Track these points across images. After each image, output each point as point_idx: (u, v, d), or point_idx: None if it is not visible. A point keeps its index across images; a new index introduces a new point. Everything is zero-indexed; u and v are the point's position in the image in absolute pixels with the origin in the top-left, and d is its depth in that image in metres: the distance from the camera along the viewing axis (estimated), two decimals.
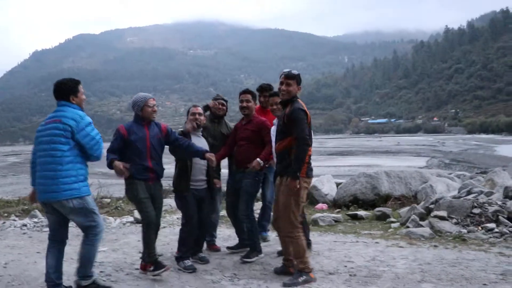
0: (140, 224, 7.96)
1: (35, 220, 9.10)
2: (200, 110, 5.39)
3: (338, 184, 12.48)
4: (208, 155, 4.89)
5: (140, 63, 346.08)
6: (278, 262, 5.21)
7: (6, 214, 10.33)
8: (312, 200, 10.68)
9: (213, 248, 5.87)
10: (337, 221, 8.19)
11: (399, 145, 71.01)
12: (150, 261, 4.78)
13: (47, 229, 8.11)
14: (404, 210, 8.31)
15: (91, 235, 4.26)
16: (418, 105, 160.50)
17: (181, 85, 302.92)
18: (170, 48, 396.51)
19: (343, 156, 49.45)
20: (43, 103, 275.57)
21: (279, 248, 5.71)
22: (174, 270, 5.03)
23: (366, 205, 11.16)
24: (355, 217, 8.50)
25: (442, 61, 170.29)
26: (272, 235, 6.22)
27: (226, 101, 6.05)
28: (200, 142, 5.26)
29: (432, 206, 7.44)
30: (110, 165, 4.68)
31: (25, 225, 8.61)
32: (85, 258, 4.29)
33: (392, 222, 7.77)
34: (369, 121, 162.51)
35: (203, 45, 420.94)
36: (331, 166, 30.78)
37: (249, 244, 5.41)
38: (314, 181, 9.93)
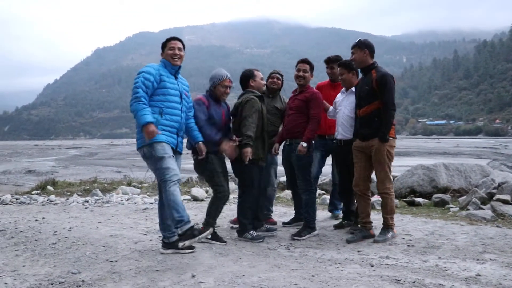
0: (197, 202, 8.17)
1: (96, 197, 9.47)
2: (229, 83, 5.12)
3: (394, 177, 12.24)
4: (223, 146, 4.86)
5: (197, 60, 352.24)
6: (335, 234, 5.19)
7: (69, 193, 10.81)
8: None
9: (269, 221, 5.82)
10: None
11: (458, 147, 68.54)
12: (208, 228, 4.81)
13: (108, 204, 8.52)
14: (464, 198, 8.04)
15: (163, 182, 4.25)
16: (479, 107, 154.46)
17: (237, 83, 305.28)
18: (226, 47, 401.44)
19: (399, 156, 48.20)
20: (103, 98, 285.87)
21: (335, 222, 5.70)
22: (231, 238, 5.09)
23: (424, 198, 10.89)
24: (412, 204, 8.31)
25: (506, 61, 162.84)
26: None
27: (282, 75, 6.00)
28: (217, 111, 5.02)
29: (494, 191, 7.16)
30: (218, 142, 4.73)
31: (87, 201, 8.98)
32: (169, 206, 4.25)
33: (451, 207, 7.54)
34: (427, 123, 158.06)
35: (259, 43, 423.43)
36: None
37: (303, 219, 5.33)
38: None
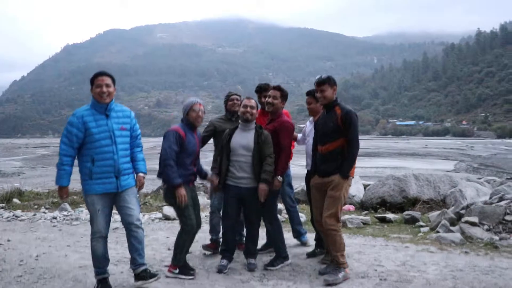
0: (169, 221, 8.06)
1: (65, 213, 9.26)
2: (253, 103, 5.12)
3: (365, 186, 12.36)
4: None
5: (169, 59, 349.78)
6: (308, 264, 5.19)
7: (36, 206, 10.55)
8: None
9: (241, 247, 5.71)
10: (365, 223, 8.11)
11: (427, 148, 70.06)
12: (178, 264, 4.76)
13: (77, 222, 8.34)
14: (433, 215, 8.17)
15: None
16: (447, 108, 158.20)
17: (209, 82, 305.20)
18: (199, 45, 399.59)
19: (370, 157, 48.97)
20: (72, 96, 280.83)
21: (308, 249, 5.69)
22: (203, 269, 5.04)
23: (394, 208, 11.03)
24: (383, 220, 8.40)
25: (473, 64, 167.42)
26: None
27: (239, 96, 5.94)
28: (245, 137, 5.02)
29: (462, 211, 7.29)
30: (176, 186, 4.60)
31: (55, 218, 8.77)
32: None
33: (421, 226, 7.65)
34: (397, 123, 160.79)
35: (232, 42, 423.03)
36: (358, 167, 30.08)
37: (274, 250, 5.29)
38: None
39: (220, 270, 4.93)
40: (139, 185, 4.54)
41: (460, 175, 33.76)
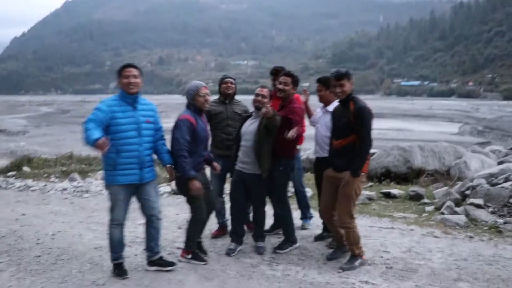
0: (178, 196, 8.19)
1: (75, 184, 9.43)
2: (266, 92, 5.14)
3: (371, 155, 12.45)
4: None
5: (171, 15, 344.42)
6: (316, 247, 5.34)
7: (46, 175, 10.74)
8: None
9: (249, 227, 5.81)
10: (370, 199, 8.24)
11: (431, 109, 69.80)
12: (190, 251, 4.89)
13: (87, 195, 8.52)
14: (438, 191, 8.29)
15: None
16: (453, 69, 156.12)
17: (212, 39, 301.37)
18: (201, 1, 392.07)
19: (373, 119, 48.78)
20: (75, 53, 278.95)
21: (317, 231, 5.84)
22: (214, 251, 5.19)
23: (398, 178, 11.15)
24: (388, 196, 8.52)
25: (482, 23, 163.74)
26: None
27: (234, 79, 5.94)
28: (252, 124, 5.08)
29: (467, 192, 7.39)
30: (190, 179, 4.55)
31: (66, 189, 8.94)
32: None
33: (426, 203, 7.78)
34: (402, 83, 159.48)
35: None
36: None
37: (283, 234, 5.42)
38: None
39: (228, 253, 5.09)
40: (171, 177, 4.73)
41: (465, 139, 33.79)
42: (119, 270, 4.52)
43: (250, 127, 5.10)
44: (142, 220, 6.13)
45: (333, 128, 4.89)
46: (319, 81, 5.43)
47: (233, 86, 5.80)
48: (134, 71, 4.39)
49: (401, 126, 42.29)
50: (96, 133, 4.01)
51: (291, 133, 4.75)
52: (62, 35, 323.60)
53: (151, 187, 4.53)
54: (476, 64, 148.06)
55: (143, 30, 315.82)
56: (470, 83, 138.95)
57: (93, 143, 3.94)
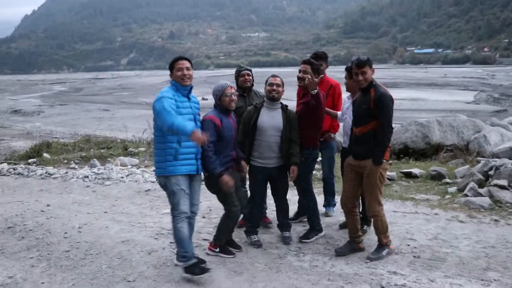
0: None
1: (95, 170, 9.51)
2: (279, 81, 5.09)
3: None
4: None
5: None
6: (341, 236, 5.35)
7: (66, 161, 10.84)
8: None
9: (264, 221, 5.81)
10: (391, 179, 8.18)
11: (446, 77, 68.80)
12: (219, 244, 4.90)
13: (109, 182, 8.59)
14: (459, 170, 8.21)
15: (171, 215, 4.42)
16: (468, 35, 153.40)
17: (222, 12, 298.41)
18: None
19: (387, 88, 48.25)
20: (85, 30, 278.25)
21: (341, 218, 5.82)
22: (240, 242, 5.22)
23: (417, 154, 11.07)
24: (409, 175, 8.46)
25: None
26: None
27: (250, 70, 5.83)
28: (273, 117, 5.04)
29: (491, 172, 7.30)
30: (218, 175, 4.49)
31: (87, 177, 9.02)
32: (174, 239, 4.46)
33: (448, 183, 7.73)
34: (415, 51, 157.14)
35: None
36: None
37: (308, 223, 5.42)
38: None
39: (259, 245, 5.11)
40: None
41: (483, 107, 33.22)
42: (201, 270, 4.34)
43: (272, 121, 5.02)
44: (166, 210, 6.25)
45: (354, 115, 4.86)
46: (347, 69, 5.33)
47: (250, 78, 5.73)
48: (187, 63, 4.39)
49: (415, 96, 41.72)
50: (187, 124, 4.08)
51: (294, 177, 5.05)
52: (72, 12, 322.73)
53: (197, 182, 4.56)
54: (492, 29, 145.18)
55: (153, 5, 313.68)
56: (486, 49, 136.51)
57: (190, 134, 3.97)
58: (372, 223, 5.00)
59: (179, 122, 4.03)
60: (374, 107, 4.49)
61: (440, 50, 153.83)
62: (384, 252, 4.71)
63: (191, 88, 4.47)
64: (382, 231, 4.74)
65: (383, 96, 4.49)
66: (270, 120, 5.03)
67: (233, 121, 4.85)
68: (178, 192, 4.29)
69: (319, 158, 5.91)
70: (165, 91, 4.31)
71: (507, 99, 41.04)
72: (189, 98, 4.44)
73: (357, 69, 4.58)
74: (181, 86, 4.37)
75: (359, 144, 4.71)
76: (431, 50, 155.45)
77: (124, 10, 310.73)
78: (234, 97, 4.72)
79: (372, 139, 4.57)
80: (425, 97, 41.22)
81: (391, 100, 4.53)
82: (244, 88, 5.72)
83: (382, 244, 4.76)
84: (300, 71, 5.19)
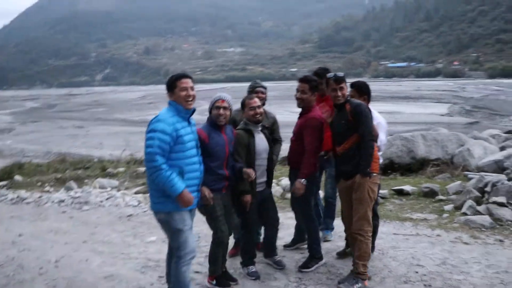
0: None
1: (72, 194, 8.98)
2: (258, 101, 4.72)
3: None
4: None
5: (156, 3, 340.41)
6: (342, 265, 4.97)
7: (39, 183, 10.28)
8: None
9: (259, 248, 5.33)
10: (383, 197, 7.89)
11: (419, 90, 69.98)
12: (215, 275, 4.51)
13: (87, 207, 8.07)
14: (451, 186, 8.02)
15: (175, 257, 3.91)
16: (439, 49, 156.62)
17: (198, 27, 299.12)
18: None
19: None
20: (59, 45, 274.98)
21: (340, 243, 5.46)
22: (235, 273, 4.80)
23: (402, 169, 10.92)
24: (401, 193, 8.20)
25: (465, 2, 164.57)
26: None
27: (265, 88, 5.48)
28: (262, 140, 4.74)
29: (487, 188, 7.08)
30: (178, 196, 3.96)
31: (63, 201, 8.50)
32: (174, 283, 3.94)
33: (442, 200, 7.50)
34: (389, 65, 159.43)
35: None
36: None
37: (308, 250, 5.04)
38: None
39: (257, 277, 4.70)
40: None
41: (457, 119, 33.65)
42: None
43: (263, 144, 4.75)
44: (152, 238, 5.81)
45: (334, 134, 4.62)
46: (354, 86, 5.01)
47: (264, 96, 5.35)
48: (191, 83, 3.91)
49: (391, 109, 42.06)
50: (179, 184, 3.64)
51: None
52: (46, 27, 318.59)
53: (194, 216, 4.08)
54: (461, 43, 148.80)
55: (128, 20, 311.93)
56: (456, 63, 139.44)
57: (179, 195, 3.61)
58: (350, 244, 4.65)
59: (168, 182, 3.60)
60: (353, 119, 4.36)
61: (412, 63, 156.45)
62: (356, 286, 4.27)
63: (194, 111, 3.95)
64: (362, 256, 4.34)
65: (359, 106, 4.40)
66: (263, 143, 4.75)
67: (226, 137, 4.43)
68: (183, 230, 3.80)
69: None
70: (161, 120, 3.73)
71: (479, 111, 41.90)
72: (189, 122, 3.93)
73: (335, 85, 4.41)
74: (183, 109, 3.85)
75: (344, 162, 4.50)
76: (404, 63, 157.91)
77: (99, 25, 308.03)
78: (223, 112, 4.32)
79: (356, 152, 4.36)
80: (400, 110, 41.66)
81: (367, 109, 4.45)
82: None
83: (358, 273, 4.33)
84: (297, 90, 4.89)
